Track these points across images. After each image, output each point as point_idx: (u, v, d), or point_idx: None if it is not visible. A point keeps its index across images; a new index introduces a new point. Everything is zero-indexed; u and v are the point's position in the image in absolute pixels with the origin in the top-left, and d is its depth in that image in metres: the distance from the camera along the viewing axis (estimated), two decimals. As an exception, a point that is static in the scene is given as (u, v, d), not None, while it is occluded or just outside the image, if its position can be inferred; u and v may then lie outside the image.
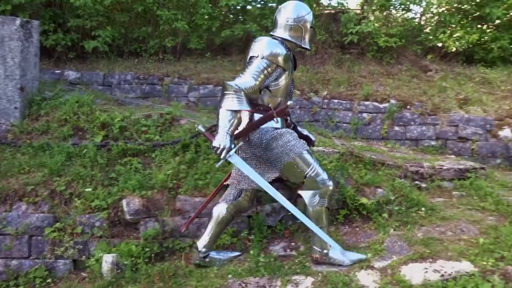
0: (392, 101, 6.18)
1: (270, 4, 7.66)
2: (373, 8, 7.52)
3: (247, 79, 2.96)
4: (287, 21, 3.21)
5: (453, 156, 5.55)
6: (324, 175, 3.15)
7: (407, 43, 7.30)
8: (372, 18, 7.44)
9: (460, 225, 3.62)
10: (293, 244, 3.61)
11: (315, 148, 4.51)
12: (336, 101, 6.29)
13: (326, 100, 6.32)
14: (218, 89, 6.63)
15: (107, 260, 3.30)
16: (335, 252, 3.19)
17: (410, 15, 7.65)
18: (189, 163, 4.03)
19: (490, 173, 4.76)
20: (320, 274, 3.08)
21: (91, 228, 3.61)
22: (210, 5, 7.17)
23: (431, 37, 7.17)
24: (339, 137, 5.90)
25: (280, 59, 3.08)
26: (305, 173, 3.12)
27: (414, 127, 5.98)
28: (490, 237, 3.32)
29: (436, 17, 7.43)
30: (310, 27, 3.29)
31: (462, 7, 7.22)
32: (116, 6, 7.32)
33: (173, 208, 3.72)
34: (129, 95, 6.64)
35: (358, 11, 7.90)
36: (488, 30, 7.34)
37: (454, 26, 7.10)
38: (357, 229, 3.75)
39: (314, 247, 3.22)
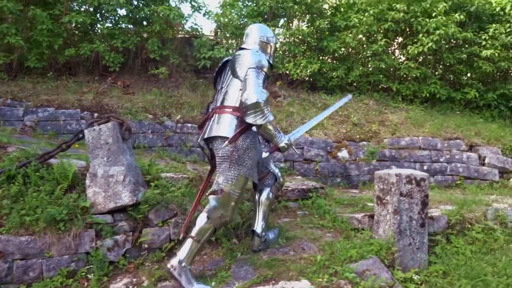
0: (243, 125, 6.39)
1: (122, 24, 7.40)
2: (227, 35, 7.79)
3: (260, 91, 3.17)
4: (260, 38, 3.69)
5: (299, 177, 5.94)
6: (236, 205, 3.37)
7: (258, 69, 7.69)
8: (225, 44, 7.70)
9: (302, 243, 3.83)
10: (136, 279, 3.38)
11: (164, 174, 4.40)
12: (189, 125, 6.27)
13: (179, 125, 6.25)
14: (60, 111, 6.08)
15: None
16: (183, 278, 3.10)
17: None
18: (15, 196, 3.53)
19: (329, 192, 5.19)
20: (162, 309, 2.93)
21: None
22: (51, 21, 6.60)
23: (279, 66, 7.67)
24: (193, 162, 5.86)
25: (265, 69, 3.40)
26: (231, 190, 3.30)
27: (265, 150, 6.25)
28: (326, 253, 3.56)
29: (284, 47, 8.00)
30: (275, 47, 3.84)
31: (305, 40, 7.93)
32: None
33: (-10, 252, 3.19)
34: None
35: (212, 37, 8.11)
36: (328, 61, 8.17)
37: (298, 56, 7.74)
38: (205, 256, 3.69)
39: (178, 254, 3.17)
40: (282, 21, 8.35)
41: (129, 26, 7.50)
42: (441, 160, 6.90)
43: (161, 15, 7.08)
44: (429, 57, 8.59)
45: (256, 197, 3.80)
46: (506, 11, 8.27)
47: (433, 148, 6.95)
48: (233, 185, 3.30)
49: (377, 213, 3.90)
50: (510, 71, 8.85)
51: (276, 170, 3.94)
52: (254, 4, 7.65)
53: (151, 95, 6.73)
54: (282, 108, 7.11)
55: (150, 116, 6.27)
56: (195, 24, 7.95)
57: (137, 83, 7.30)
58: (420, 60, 8.55)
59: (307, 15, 8.05)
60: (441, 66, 8.77)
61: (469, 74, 8.66)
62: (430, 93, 8.12)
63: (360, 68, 8.05)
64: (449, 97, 8.40)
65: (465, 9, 8.35)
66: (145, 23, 7.52)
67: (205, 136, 3.45)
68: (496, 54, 7.92)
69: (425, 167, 6.80)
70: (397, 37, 8.51)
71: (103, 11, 7.24)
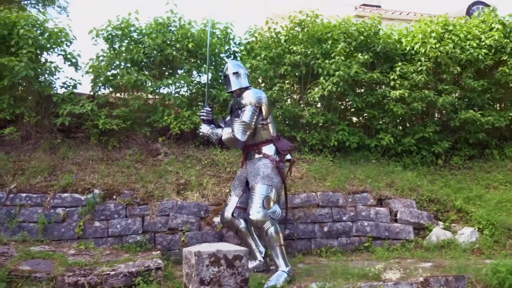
0: (96, 191, 5.49)
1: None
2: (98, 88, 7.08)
3: None
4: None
5: (158, 252, 5.00)
6: None
7: (135, 125, 6.94)
8: (95, 98, 6.94)
9: None
10: None
11: None
12: (24, 195, 5.31)
13: (11, 195, 5.29)
14: None
15: None
16: None
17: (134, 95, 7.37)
18: None
19: (170, 274, 4.24)
20: None
21: None
22: None
23: (158, 119, 6.91)
24: (21, 242, 4.87)
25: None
26: None
27: (118, 220, 5.33)
28: None
29: (161, 98, 7.27)
30: (225, 76, 4.95)
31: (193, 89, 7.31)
32: None
33: None
34: None
35: (87, 92, 7.37)
36: (219, 111, 7.48)
37: (180, 107, 7.03)
38: None
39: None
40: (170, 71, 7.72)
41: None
42: (344, 218, 6.10)
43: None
44: (338, 102, 8.08)
45: None
46: (415, 48, 7.92)
47: (334, 205, 6.17)
48: None
49: (184, 308, 2.98)
50: (427, 113, 8.37)
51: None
52: (124, 49, 6.99)
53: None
54: (157, 168, 6.26)
55: (-27, 188, 5.32)
56: (71, 79, 7.18)
57: (-15, 147, 6.37)
58: (331, 104, 8.01)
59: (191, 63, 7.44)
60: (351, 111, 8.24)
61: (384, 119, 8.12)
62: (339, 141, 7.47)
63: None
64: (363, 144, 7.79)
65: (372, 50, 7.98)
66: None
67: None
68: (407, 94, 7.46)
69: (325, 228, 5.99)
70: (301, 82, 7.97)
71: None
